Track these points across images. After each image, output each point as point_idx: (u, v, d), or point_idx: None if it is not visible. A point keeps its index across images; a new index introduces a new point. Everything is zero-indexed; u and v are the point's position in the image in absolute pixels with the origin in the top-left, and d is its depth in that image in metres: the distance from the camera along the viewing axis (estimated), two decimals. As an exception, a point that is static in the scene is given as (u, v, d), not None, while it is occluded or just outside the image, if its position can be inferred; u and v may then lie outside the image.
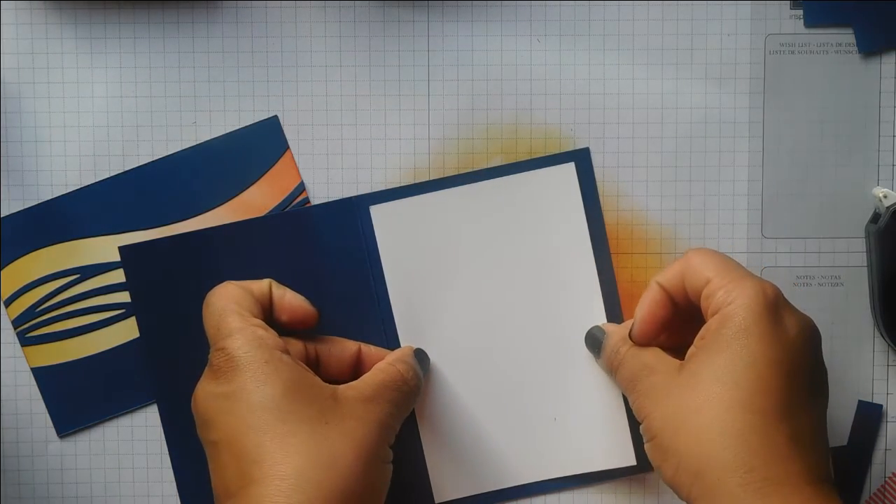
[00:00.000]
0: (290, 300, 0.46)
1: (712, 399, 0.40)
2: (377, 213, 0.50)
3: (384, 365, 0.46)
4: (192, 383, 0.44)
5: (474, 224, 0.50)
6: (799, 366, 0.41)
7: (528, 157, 0.50)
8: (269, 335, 0.43)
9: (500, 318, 0.50)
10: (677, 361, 0.43)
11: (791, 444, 0.40)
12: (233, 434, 0.40)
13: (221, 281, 0.45)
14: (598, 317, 0.50)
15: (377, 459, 0.42)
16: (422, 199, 0.50)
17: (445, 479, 0.50)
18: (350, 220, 0.50)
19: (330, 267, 0.49)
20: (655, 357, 0.44)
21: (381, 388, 0.44)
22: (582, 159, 0.50)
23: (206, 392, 0.42)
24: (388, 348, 0.49)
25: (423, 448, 0.50)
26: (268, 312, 0.45)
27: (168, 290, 0.49)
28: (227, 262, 0.49)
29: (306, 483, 0.39)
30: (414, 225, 0.50)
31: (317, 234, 0.49)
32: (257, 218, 0.50)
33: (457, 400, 0.50)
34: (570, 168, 0.50)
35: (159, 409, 0.50)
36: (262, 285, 0.46)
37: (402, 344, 0.50)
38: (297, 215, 0.50)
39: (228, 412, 0.41)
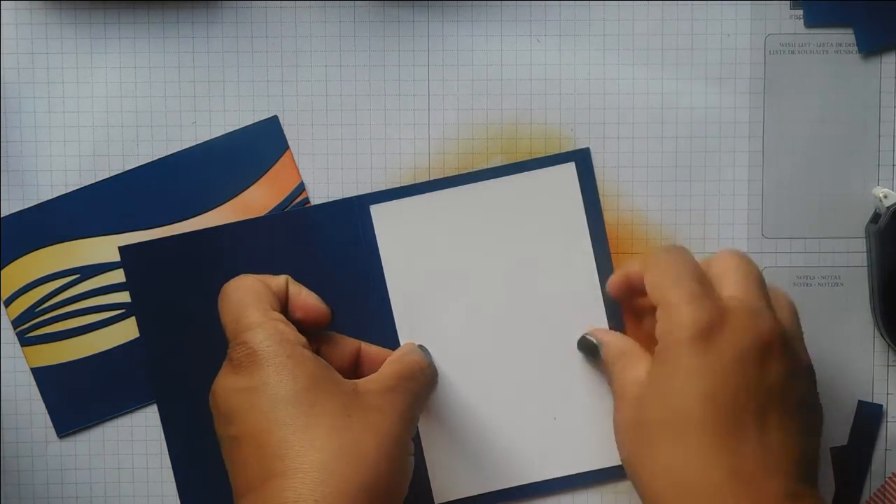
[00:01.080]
0: (305, 298, 0.46)
1: (653, 433, 0.40)
2: (377, 212, 0.50)
3: (398, 356, 0.46)
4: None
5: (475, 224, 0.50)
6: (734, 394, 0.39)
7: (528, 157, 0.50)
8: (290, 329, 0.43)
9: (500, 318, 0.50)
10: None
11: (731, 480, 0.38)
12: (255, 429, 0.40)
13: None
14: (599, 316, 0.50)
15: (400, 451, 0.42)
16: (422, 198, 0.50)
17: (445, 480, 0.50)
18: (350, 220, 0.50)
19: (330, 267, 0.49)
20: (643, 373, 0.43)
21: (401, 378, 0.44)
22: (582, 159, 0.50)
23: (227, 386, 0.42)
24: (389, 348, 0.49)
25: (423, 448, 0.50)
26: (283, 308, 0.45)
27: (168, 290, 0.49)
28: (227, 263, 0.49)
29: (331, 476, 0.39)
30: (414, 225, 0.50)
31: (317, 234, 0.49)
32: (257, 218, 0.50)
33: (457, 400, 0.50)
34: (570, 168, 0.50)
35: (159, 409, 0.50)
36: (279, 281, 0.46)
37: (402, 343, 0.50)
38: (297, 215, 0.50)
39: (250, 407, 0.41)
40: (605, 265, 0.50)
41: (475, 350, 0.50)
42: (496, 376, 0.50)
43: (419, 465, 0.49)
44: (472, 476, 0.50)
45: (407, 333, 0.50)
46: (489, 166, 0.50)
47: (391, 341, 0.50)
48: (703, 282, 0.42)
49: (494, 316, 0.50)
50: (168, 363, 0.49)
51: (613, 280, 0.47)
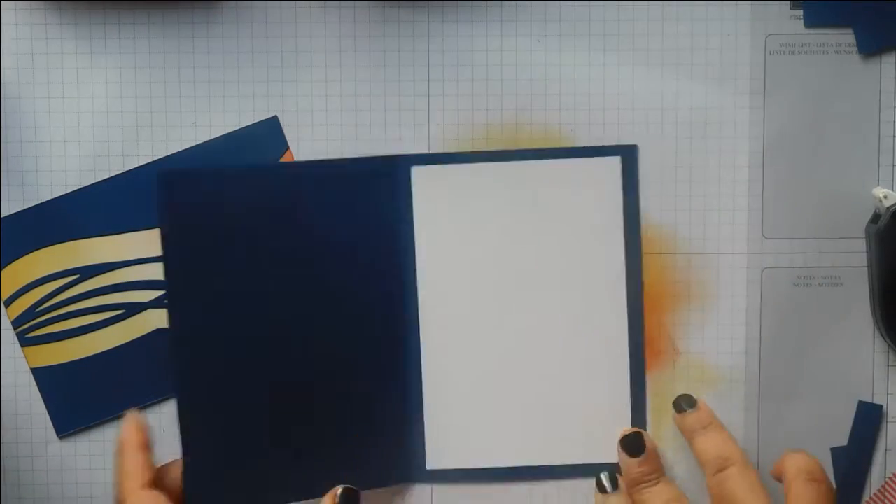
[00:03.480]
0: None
1: None
2: (418, 175, 0.49)
3: None
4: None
5: (512, 202, 0.49)
6: None
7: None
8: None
9: (521, 301, 0.50)
10: None
11: None
12: None
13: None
14: (620, 316, 0.50)
15: None
16: (465, 168, 0.49)
17: (442, 447, 0.50)
18: (390, 178, 0.49)
19: (361, 225, 0.49)
20: None
21: None
22: (629, 155, 0.49)
23: None
24: (409, 321, 0.49)
25: (425, 413, 0.50)
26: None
27: (201, 224, 0.48)
28: (263, 205, 0.48)
29: None
30: (454, 193, 0.49)
31: (353, 188, 0.49)
32: (303, 163, 0.49)
33: (467, 372, 0.50)
34: (615, 163, 0.49)
35: (174, 357, 0.49)
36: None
37: (422, 315, 0.50)
38: (339, 166, 0.49)
39: None
40: (634, 267, 0.50)
41: (493, 328, 0.50)
42: (508, 358, 0.50)
43: (417, 428, 0.49)
44: (469, 449, 0.50)
45: (429, 302, 0.49)
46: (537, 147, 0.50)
47: (411, 311, 0.50)
48: None
49: (515, 297, 0.49)
50: (192, 301, 0.49)
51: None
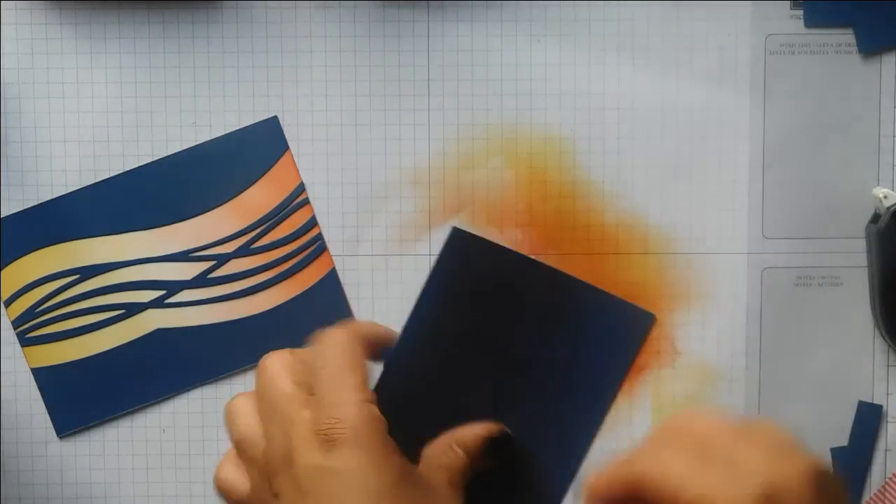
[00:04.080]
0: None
1: None
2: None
3: (446, 450, 0.43)
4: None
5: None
6: None
7: (528, 156, 0.50)
8: (380, 415, 0.40)
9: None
10: None
11: None
12: None
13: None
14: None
15: None
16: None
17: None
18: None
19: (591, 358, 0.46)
20: None
21: (459, 474, 0.43)
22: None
23: (312, 464, 0.38)
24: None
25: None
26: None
27: (466, 290, 0.45)
28: (524, 294, 0.46)
29: None
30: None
31: (607, 325, 0.47)
32: (576, 281, 0.47)
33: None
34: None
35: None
36: (374, 330, 0.43)
37: None
38: (601, 300, 0.46)
39: (334, 494, 0.38)
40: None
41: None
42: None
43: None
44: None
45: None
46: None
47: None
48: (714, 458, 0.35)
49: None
50: (410, 359, 0.47)
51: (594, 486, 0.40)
